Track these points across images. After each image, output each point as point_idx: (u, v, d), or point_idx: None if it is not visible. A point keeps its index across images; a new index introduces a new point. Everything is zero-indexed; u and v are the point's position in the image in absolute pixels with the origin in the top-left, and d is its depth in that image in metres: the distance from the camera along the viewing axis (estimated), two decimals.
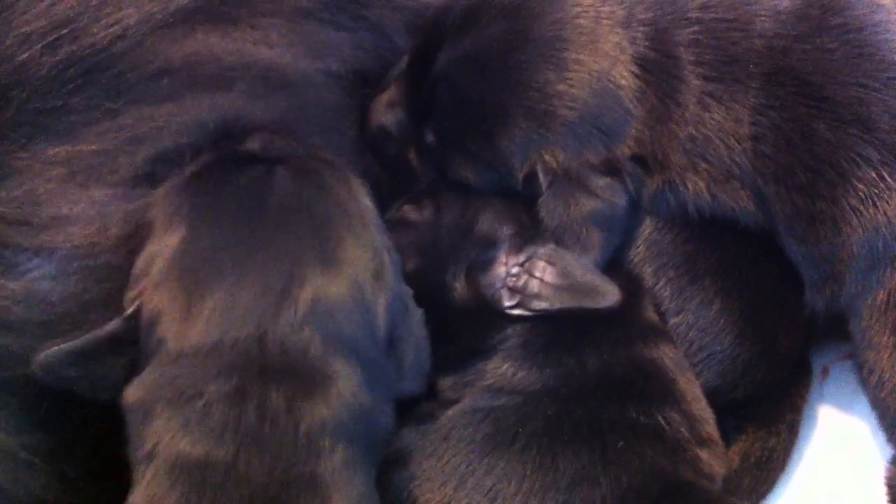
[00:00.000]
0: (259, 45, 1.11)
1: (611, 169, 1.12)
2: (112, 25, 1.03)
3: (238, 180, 0.98)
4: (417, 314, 1.04)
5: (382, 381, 0.96)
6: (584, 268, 1.10)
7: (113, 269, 1.00)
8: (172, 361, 0.89)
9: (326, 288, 0.91)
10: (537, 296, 1.09)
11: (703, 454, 1.08)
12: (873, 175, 1.05)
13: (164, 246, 0.94)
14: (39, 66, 1.00)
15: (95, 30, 1.03)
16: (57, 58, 1.00)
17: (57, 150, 1.00)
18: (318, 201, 0.97)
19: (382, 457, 0.98)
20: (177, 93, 1.05)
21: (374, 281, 0.95)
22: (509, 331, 1.11)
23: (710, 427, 1.12)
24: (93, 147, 1.01)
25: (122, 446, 0.92)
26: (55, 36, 1.01)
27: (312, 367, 0.89)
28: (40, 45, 1.00)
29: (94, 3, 1.03)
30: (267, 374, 0.88)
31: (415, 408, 1.09)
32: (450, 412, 1.08)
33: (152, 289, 0.92)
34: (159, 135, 1.04)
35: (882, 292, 1.07)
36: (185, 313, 0.89)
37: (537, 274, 1.09)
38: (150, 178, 1.04)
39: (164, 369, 0.89)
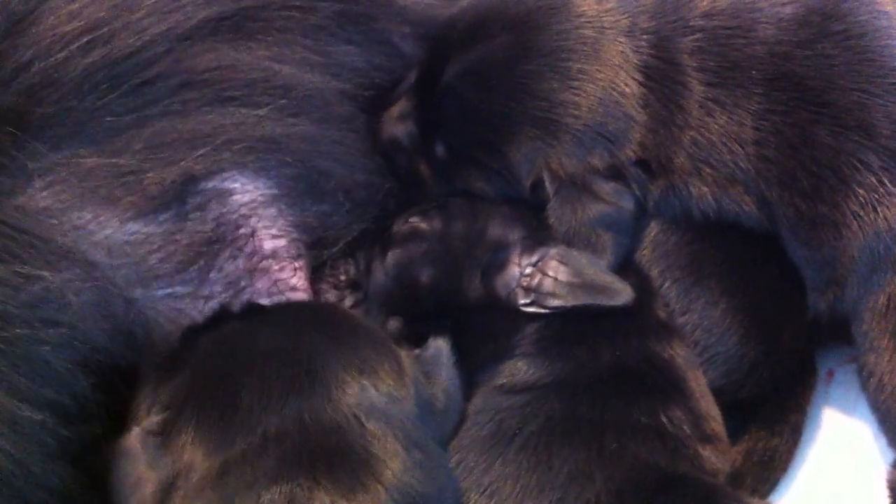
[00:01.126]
0: (278, 61, 1.13)
1: (616, 174, 1.14)
2: (139, 33, 1.05)
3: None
4: (444, 354, 1.08)
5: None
6: (595, 266, 1.12)
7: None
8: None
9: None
10: (552, 294, 1.11)
11: (706, 451, 1.10)
12: (874, 180, 1.06)
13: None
14: (73, 67, 1.02)
15: (125, 35, 1.05)
16: (89, 60, 1.03)
17: (87, 157, 1.02)
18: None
19: None
20: (204, 107, 1.08)
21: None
22: (525, 331, 1.13)
23: (716, 424, 1.13)
24: (122, 160, 1.03)
25: None
26: (88, 38, 1.03)
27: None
28: (75, 45, 1.02)
29: (122, 9, 1.06)
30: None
31: None
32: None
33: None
34: (188, 153, 1.06)
35: (883, 296, 1.08)
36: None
37: (550, 273, 1.12)
38: (179, 201, 1.07)
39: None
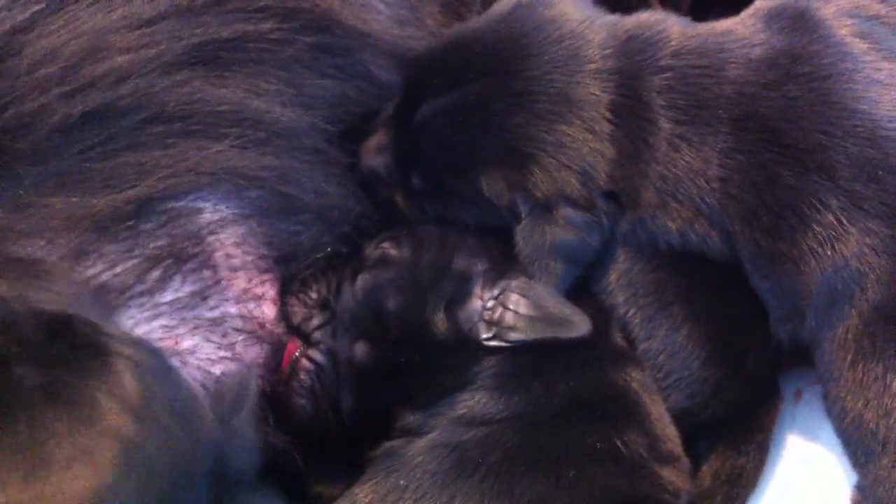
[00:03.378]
0: (250, 94, 1.15)
1: (586, 204, 1.17)
2: (115, 71, 1.07)
3: None
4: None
5: None
6: (555, 299, 1.15)
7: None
8: None
9: None
10: (512, 327, 1.14)
11: (664, 472, 1.13)
12: (832, 219, 1.09)
13: None
14: (49, 115, 1.04)
15: (101, 76, 1.07)
16: (65, 108, 1.05)
17: (50, 197, 1.05)
18: None
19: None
20: (167, 140, 1.10)
21: None
22: (485, 362, 1.16)
23: (673, 444, 1.17)
24: (80, 197, 1.06)
25: None
26: (66, 88, 1.05)
27: None
28: (52, 93, 1.04)
29: (99, 46, 1.07)
30: None
31: (379, 444, 1.15)
32: (417, 444, 1.12)
33: None
34: (145, 179, 1.08)
35: (842, 328, 1.10)
36: None
37: (511, 306, 1.14)
38: (134, 219, 1.09)
39: None
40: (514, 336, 1.14)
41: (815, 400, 1.25)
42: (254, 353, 1.19)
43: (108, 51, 1.07)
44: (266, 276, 1.20)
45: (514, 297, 1.15)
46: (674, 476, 1.14)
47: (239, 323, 1.18)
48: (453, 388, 1.16)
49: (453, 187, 1.20)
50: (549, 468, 1.08)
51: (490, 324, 1.15)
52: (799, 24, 1.14)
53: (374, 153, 1.24)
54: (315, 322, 1.21)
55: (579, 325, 1.13)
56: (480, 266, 1.19)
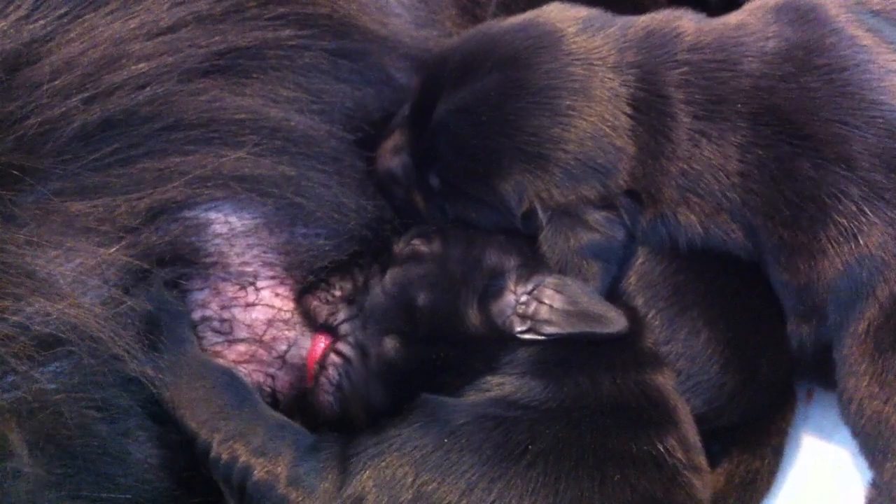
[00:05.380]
0: (268, 102, 1.16)
1: (607, 203, 1.17)
2: (135, 78, 1.08)
3: None
4: None
5: None
6: (590, 295, 1.14)
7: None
8: None
9: None
10: (547, 321, 1.13)
11: (696, 481, 1.12)
12: (854, 209, 1.09)
13: None
14: (69, 123, 1.05)
15: (120, 84, 1.07)
16: (85, 116, 1.05)
17: (70, 203, 1.05)
18: None
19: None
20: (186, 147, 1.10)
21: None
22: (522, 353, 1.15)
23: (701, 455, 1.16)
24: (100, 200, 1.06)
25: None
26: (85, 95, 1.05)
27: None
28: (72, 101, 1.05)
29: (119, 53, 1.08)
30: None
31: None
32: (462, 404, 1.11)
33: None
34: (161, 185, 1.09)
35: (863, 322, 1.10)
36: None
37: (546, 300, 1.13)
38: (150, 224, 1.09)
39: None
40: (549, 329, 1.12)
41: (827, 400, 1.25)
42: (269, 357, 1.20)
43: (126, 59, 1.08)
44: (280, 283, 1.21)
45: (548, 291, 1.14)
46: (702, 486, 1.13)
47: (253, 329, 1.18)
48: (482, 372, 1.15)
49: (471, 190, 1.20)
50: (595, 468, 1.07)
51: (524, 317, 1.13)
52: (810, 17, 1.15)
53: (392, 154, 1.24)
54: (341, 315, 1.20)
55: (615, 321, 1.13)
56: (513, 262, 1.18)
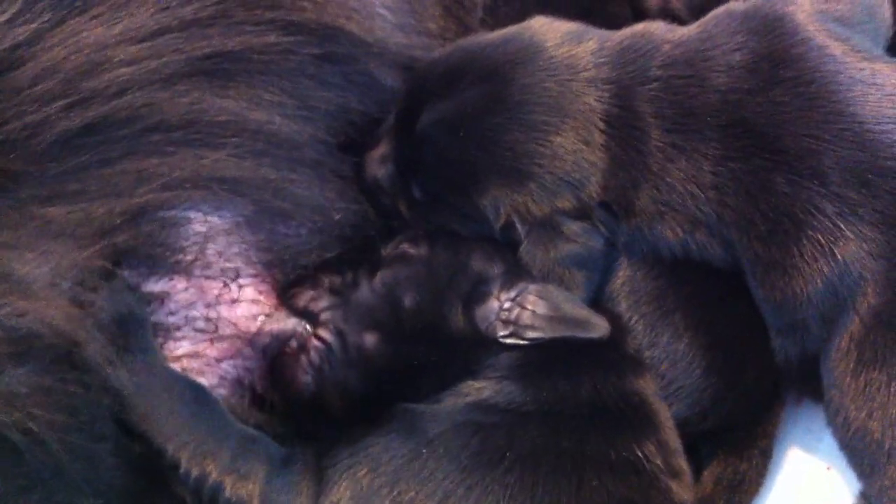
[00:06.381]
0: (251, 105, 1.16)
1: (582, 214, 1.18)
2: (117, 82, 1.09)
3: None
4: None
5: None
6: (572, 301, 1.16)
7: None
8: None
9: None
10: (530, 326, 1.15)
11: (674, 485, 1.13)
12: (829, 225, 1.09)
13: None
14: (49, 129, 1.06)
15: (102, 90, 1.08)
16: (65, 123, 1.06)
17: (47, 208, 1.06)
18: None
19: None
20: (166, 148, 1.11)
21: None
22: (503, 358, 1.17)
23: (681, 459, 1.17)
24: (77, 205, 1.07)
25: None
26: (66, 101, 1.06)
27: None
28: (53, 107, 1.05)
29: (101, 58, 1.09)
30: None
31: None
32: (438, 412, 1.12)
33: None
34: (140, 187, 1.10)
35: (845, 337, 1.10)
36: None
37: (529, 306, 1.15)
38: (128, 225, 1.10)
39: None
40: (531, 334, 1.14)
41: (817, 404, 1.24)
42: (252, 351, 1.21)
43: (108, 64, 1.09)
44: (262, 280, 1.22)
45: (531, 298, 1.16)
46: (681, 490, 1.14)
47: (237, 326, 1.20)
48: (461, 375, 1.16)
49: (452, 201, 1.22)
50: (573, 473, 1.08)
51: (507, 322, 1.15)
52: (776, 26, 1.14)
53: (378, 163, 1.26)
54: (323, 304, 1.22)
55: (597, 326, 1.14)
56: (497, 269, 1.20)
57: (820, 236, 1.09)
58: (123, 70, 1.09)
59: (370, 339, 1.18)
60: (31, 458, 1.01)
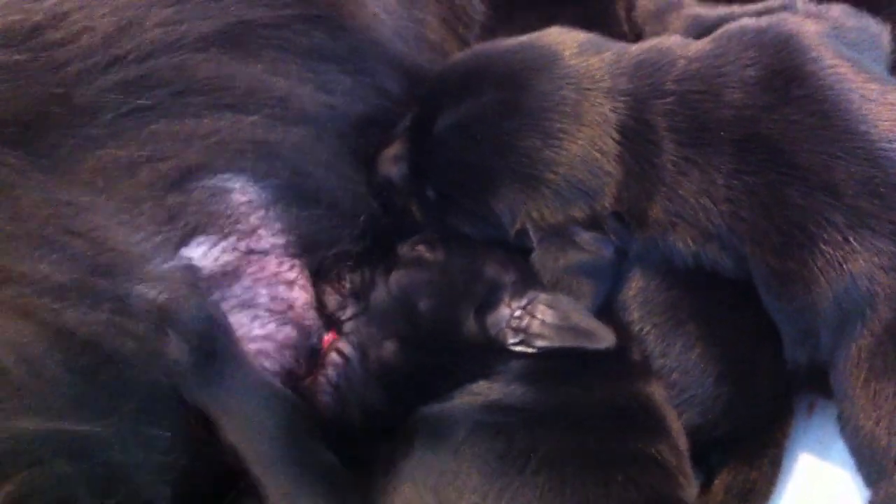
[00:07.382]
0: (275, 74, 1.19)
1: (595, 224, 1.20)
2: (147, 44, 1.12)
3: None
4: None
5: None
6: (581, 312, 1.18)
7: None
8: None
9: None
10: (539, 335, 1.17)
11: (687, 487, 1.16)
12: (839, 238, 1.10)
13: None
14: (87, 83, 1.08)
15: (133, 49, 1.11)
16: (102, 77, 1.09)
17: (94, 149, 1.08)
18: None
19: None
20: (202, 110, 1.14)
21: None
22: (514, 363, 1.19)
23: (689, 467, 1.19)
24: (122, 151, 1.10)
25: None
26: (101, 57, 1.09)
27: None
28: (90, 61, 1.08)
29: (131, 22, 1.12)
30: None
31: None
32: (457, 418, 1.15)
33: None
34: (182, 150, 1.12)
35: (855, 347, 1.11)
36: None
37: (538, 315, 1.17)
38: (176, 187, 1.12)
39: None
40: (540, 343, 1.16)
41: (828, 413, 1.26)
42: (283, 334, 1.22)
43: (141, 26, 1.11)
44: (294, 262, 1.23)
45: (541, 307, 1.18)
46: (691, 493, 1.16)
47: (270, 304, 1.21)
48: (473, 377, 1.19)
49: (467, 205, 1.24)
50: (599, 470, 1.10)
51: (517, 330, 1.17)
52: (788, 45, 1.16)
53: (391, 162, 1.27)
54: (349, 312, 1.24)
55: (604, 337, 1.16)
56: (509, 277, 1.22)
57: (830, 249, 1.10)
58: (157, 31, 1.12)
59: (390, 346, 1.20)
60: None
